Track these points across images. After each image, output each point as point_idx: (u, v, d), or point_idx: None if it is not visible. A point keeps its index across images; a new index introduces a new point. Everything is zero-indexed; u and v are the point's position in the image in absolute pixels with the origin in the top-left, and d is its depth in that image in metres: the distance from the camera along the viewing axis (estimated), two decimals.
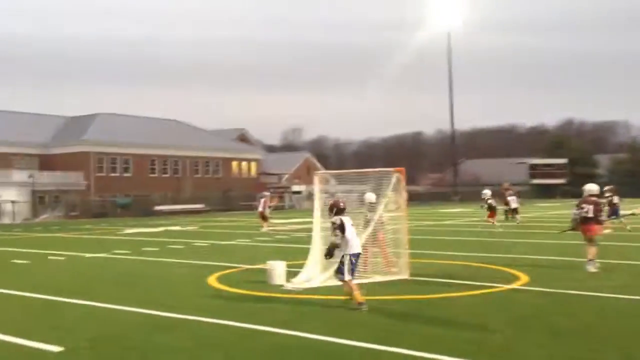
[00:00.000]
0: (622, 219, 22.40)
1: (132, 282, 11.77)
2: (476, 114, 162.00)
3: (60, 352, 6.58)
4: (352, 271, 8.72)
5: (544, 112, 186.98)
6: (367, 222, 11.73)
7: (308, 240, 19.63)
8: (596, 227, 12.44)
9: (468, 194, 69.42)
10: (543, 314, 8.19)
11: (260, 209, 27.79)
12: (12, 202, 48.58)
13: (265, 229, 26.06)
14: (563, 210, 36.31)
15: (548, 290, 10.04)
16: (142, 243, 21.28)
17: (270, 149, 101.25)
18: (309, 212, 22.69)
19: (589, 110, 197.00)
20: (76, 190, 54.88)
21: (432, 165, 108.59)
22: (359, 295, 8.51)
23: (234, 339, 6.98)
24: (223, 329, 7.51)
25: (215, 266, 13.73)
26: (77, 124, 61.52)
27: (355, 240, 8.86)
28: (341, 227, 8.66)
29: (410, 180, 13.24)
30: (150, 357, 6.34)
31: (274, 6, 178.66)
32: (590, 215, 12.33)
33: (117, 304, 9.24)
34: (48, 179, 53.28)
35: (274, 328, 7.44)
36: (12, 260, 16.31)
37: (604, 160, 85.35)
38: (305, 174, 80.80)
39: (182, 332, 7.37)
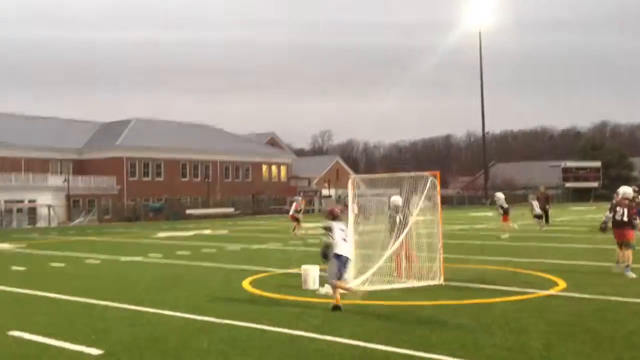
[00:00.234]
0: None
1: (167, 286, 11.88)
2: (507, 117, 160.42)
3: (99, 355, 6.67)
4: (338, 271, 9.21)
5: (577, 115, 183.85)
6: (393, 226, 11.69)
7: None
8: (631, 231, 12.16)
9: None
10: (584, 321, 8.01)
11: (291, 212, 27.92)
12: (48, 206, 49.62)
13: (298, 232, 26.11)
14: (597, 214, 35.57)
15: (587, 296, 9.83)
16: (175, 247, 21.50)
17: (300, 153, 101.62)
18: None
19: (624, 112, 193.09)
20: (109, 195, 55.81)
21: (463, 169, 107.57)
22: (338, 298, 8.99)
23: (269, 344, 6.98)
24: (259, 334, 7.52)
25: (249, 270, 13.78)
26: (111, 130, 62.60)
27: (341, 244, 9.31)
28: (331, 230, 9.38)
29: (440, 184, 13.15)
30: None
31: (305, 9, 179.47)
32: (625, 219, 12.06)
33: (153, 308, 9.34)
34: (82, 184, 54.30)
35: (309, 333, 7.43)
36: (49, 264, 16.63)
37: (639, 163, 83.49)
38: (334, 178, 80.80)
39: (219, 336, 7.40)
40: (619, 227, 12.18)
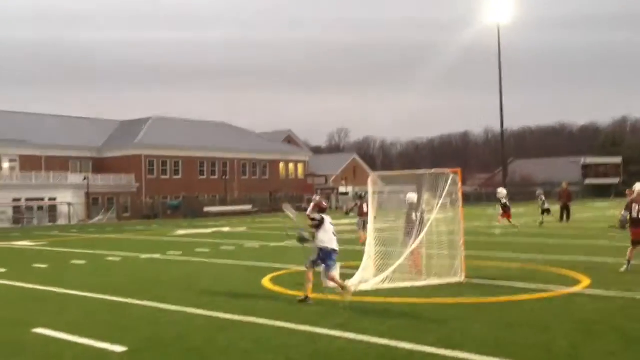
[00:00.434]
0: None
1: (188, 283, 11.92)
2: (526, 113, 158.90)
3: (123, 352, 6.70)
4: (314, 263, 9.61)
5: (596, 110, 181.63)
6: (409, 223, 11.65)
7: (357, 241, 19.64)
8: None
9: (518, 194, 67.93)
10: (610, 320, 7.88)
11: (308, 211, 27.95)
12: (68, 204, 50.15)
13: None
14: (618, 211, 35.08)
15: (612, 294, 9.69)
16: (194, 244, 21.60)
17: (317, 150, 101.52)
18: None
19: None
20: (128, 193, 56.27)
21: (480, 166, 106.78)
22: (309, 289, 9.38)
23: (293, 342, 6.96)
24: (282, 332, 7.50)
25: (268, 267, 13.79)
26: (129, 128, 63.06)
27: (330, 238, 9.58)
28: (320, 224, 9.61)
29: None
30: (211, 358, 6.38)
31: (323, 7, 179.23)
32: None
33: (175, 305, 9.37)
34: (102, 182, 54.81)
35: (333, 331, 7.40)
36: (71, 261, 16.78)
37: None
38: (351, 175, 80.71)
39: (242, 334, 7.40)
40: (637, 226, 11.96)
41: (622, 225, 12.98)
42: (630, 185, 13.80)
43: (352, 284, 10.58)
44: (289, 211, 10.29)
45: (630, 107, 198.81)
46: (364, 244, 20.13)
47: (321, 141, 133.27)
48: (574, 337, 7.00)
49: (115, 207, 54.24)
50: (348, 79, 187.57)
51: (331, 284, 9.99)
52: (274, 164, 70.24)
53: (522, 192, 73.23)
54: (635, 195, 12.20)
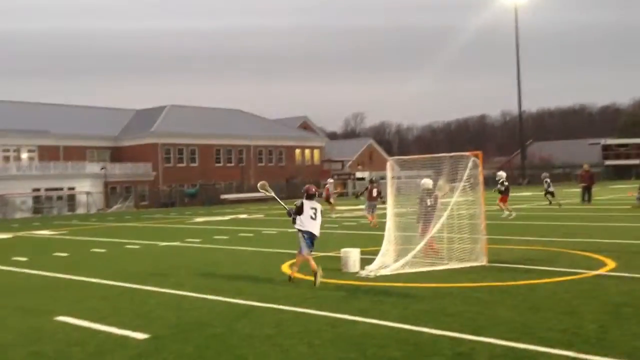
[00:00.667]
0: None
1: (207, 270, 11.91)
2: (544, 95, 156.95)
3: (145, 339, 6.68)
4: (308, 245, 9.97)
5: (616, 91, 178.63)
6: (426, 208, 11.54)
7: (370, 226, 19.53)
8: None
9: (537, 177, 67.24)
10: (638, 302, 7.71)
11: (324, 195, 28.01)
12: (87, 193, 50.56)
13: (333, 215, 26.24)
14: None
15: (639, 276, 9.49)
16: (213, 231, 21.63)
17: (333, 136, 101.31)
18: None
19: None
20: (145, 181, 56.61)
21: (498, 149, 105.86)
22: (295, 270, 10.05)
23: (315, 328, 6.89)
24: (303, 317, 7.44)
25: (287, 254, 13.72)
26: (145, 117, 63.28)
27: (308, 221, 9.93)
28: (299, 209, 10.00)
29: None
30: (233, 345, 6.33)
31: None
32: None
33: (196, 292, 9.34)
34: (119, 170, 55.15)
35: (355, 316, 7.31)
36: (91, 250, 16.89)
37: None
38: (368, 160, 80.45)
39: (263, 320, 7.35)
40: None
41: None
42: None
43: (371, 269, 10.51)
44: (264, 190, 10.91)
45: None
46: (375, 226, 20.23)
47: (337, 127, 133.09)
48: (602, 320, 6.85)
49: (133, 195, 54.59)
50: (363, 63, 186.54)
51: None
52: (290, 150, 70.15)
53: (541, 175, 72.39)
54: None
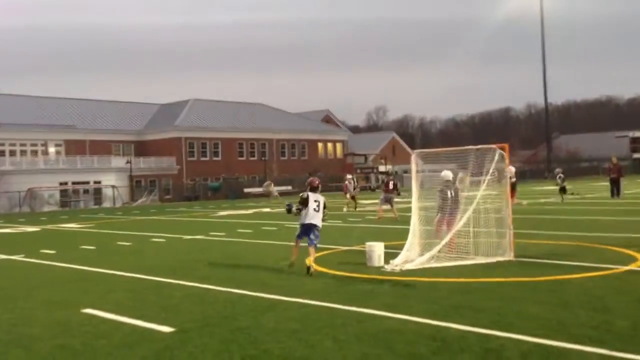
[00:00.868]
0: None
1: (232, 264, 11.92)
2: (570, 87, 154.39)
3: (171, 333, 6.68)
4: (299, 237, 10.61)
5: None
6: (444, 201, 11.47)
7: (400, 220, 19.39)
8: None
9: (563, 170, 66.18)
10: None
11: (345, 190, 28.11)
12: (112, 187, 51.15)
13: (347, 208, 26.48)
14: None
15: None
16: (236, 225, 21.70)
17: (355, 129, 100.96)
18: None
19: None
20: (169, 175, 57.08)
21: (523, 142, 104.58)
22: (294, 258, 10.53)
23: (340, 323, 6.82)
24: (328, 312, 7.38)
25: None
26: (169, 111, 63.77)
27: (311, 213, 10.44)
28: (305, 201, 10.46)
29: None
30: (259, 339, 6.30)
31: None
32: None
33: (220, 286, 9.35)
34: (144, 164, 55.71)
35: (381, 311, 7.23)
36: (116, 243, 17.04)
37: None
38: (390, 154, 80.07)
39: (289, 315, 7.31)
40: None
41: None
42: None
43: (396, 263, 10.42)
44: (269, 188, 11.59)
45: None
46: (379, 219, 20.27)
47: (359, 120, 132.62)
48: (634, 316, 6.68)
49: (157, 189, 55.10)
50: (386, 56, 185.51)
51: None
52: (313, 144, 70.14)
53: (568, 169, 71.38)
54: None
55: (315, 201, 10.51)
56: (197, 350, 5.99)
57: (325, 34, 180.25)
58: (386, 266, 10.38)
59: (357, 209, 26.61)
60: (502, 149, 11.17)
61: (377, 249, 10.83)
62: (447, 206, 11.58)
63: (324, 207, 10.64)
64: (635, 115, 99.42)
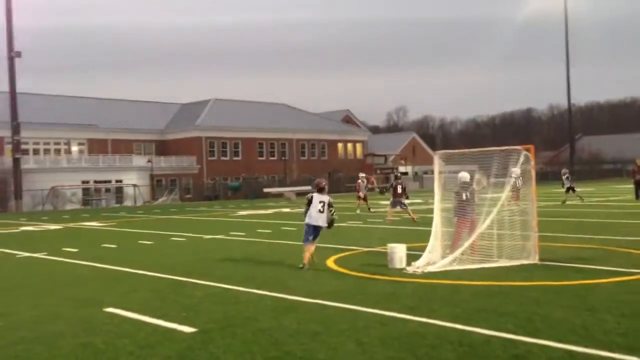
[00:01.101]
0: None
1: (252, 264, 11.91)
2: (594, 88, 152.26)
3: (193, 333, 6.67)
4: (307, 237, 10.82)
5: None
6: (459, 202, 11.36)
7: (420, 222, 19.24)
8: None
9: (586, 172, 65.46)
10: None
11: (360, 192, 27.95)
12: (134, 185, 51.58)
13: (358, 211, 26.43)
14: None
15: None
16: (256, 225, 21.71)
17: (375, 130, 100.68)
18: (416, 193, 22.28)
19: None
20: (190, 174, 57.42)
21: (545, 143, 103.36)
22: (306, 257, 10.77)
23: (363, 325, 6.75)
24: (350, 314, 7.31)
25: (332, 248, 13.61)
26: (190, 110, 64.15)
27: (315, 214, 10.83)
28: (309, 201, 10.91)
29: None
30: (281, 340, 6.25)
31: None
32: None
33: (241, 286, 9.32)
34: (164, 163, 56.13)
35: (403, 314, 7.14)
36: (138, 241, 17.14)
37: None
38: (410, 155, 79.71)
39: (310, 316, 7.25)
40: None
41: None
42: None
43: (418, 265, 10.31)
44: (289, 195, 12.00)
45: None
46: (389, 221, 20.16)
47: (379, 121, 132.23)
48: None
49: (178, 188, 55.45)
50: (406, 57, 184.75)
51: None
52: (333, 144, 70.07)
53: (592, 171, 70.48)
54: None
55: (321, 202, 10.86)
56: (219, 351, 5.96)
57: (348, 34, 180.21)
58: (408, 268, 10.28)
59: (372, 210, 26.46)
60: (528, 150, 11.00)
61: (398, 251, 10.73)
62: (461, 208, 11.43)
63: (330, 206, 10.97)
64: None
